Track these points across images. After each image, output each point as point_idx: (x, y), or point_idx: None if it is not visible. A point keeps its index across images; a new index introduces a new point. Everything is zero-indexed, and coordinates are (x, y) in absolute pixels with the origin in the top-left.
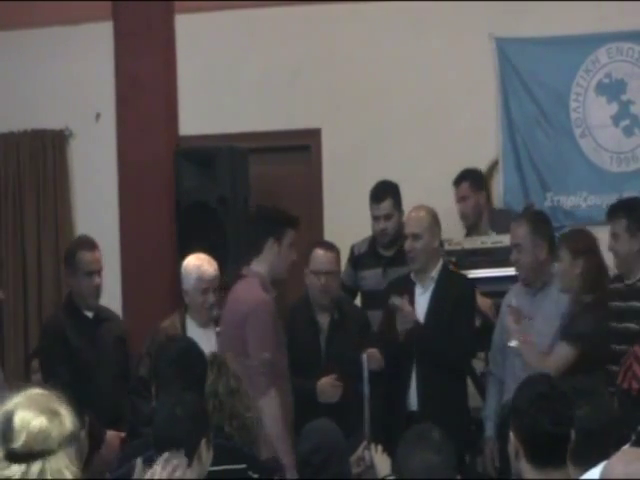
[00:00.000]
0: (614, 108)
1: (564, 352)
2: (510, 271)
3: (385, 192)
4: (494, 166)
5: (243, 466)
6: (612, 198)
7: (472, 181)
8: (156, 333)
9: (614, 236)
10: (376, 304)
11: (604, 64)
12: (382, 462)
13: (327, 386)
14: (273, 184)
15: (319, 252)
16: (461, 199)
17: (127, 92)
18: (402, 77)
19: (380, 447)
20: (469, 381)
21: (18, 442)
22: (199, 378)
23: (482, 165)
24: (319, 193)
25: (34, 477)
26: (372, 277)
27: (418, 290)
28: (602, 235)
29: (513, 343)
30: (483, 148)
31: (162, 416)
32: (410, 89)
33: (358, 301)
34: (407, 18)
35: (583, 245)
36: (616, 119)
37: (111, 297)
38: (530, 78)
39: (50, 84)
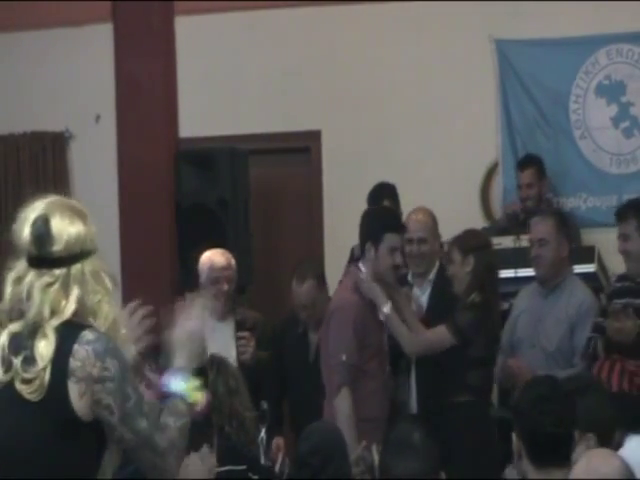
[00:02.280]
0: (614, 110)
1: (442, 335)
2: (510, 273)
3: (381, 194)
4: (494, 168)
5: (243, 467)
6: (612, 200)
7: (538, 168)
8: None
9: (624, 237)
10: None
11: (604, 66)
12: None
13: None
14: (273, 186)
15: (294, 288)
16: (526, 185)
17: (127, 94)
18: (402, 79)
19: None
20: None
21: (59, 246)
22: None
23: (481, 167)
24: (319, 195)
25: (77, 277)
26: None
27: (415, 292)
28: (602, 236)
29: (386, 309)
30: (483, 150)
31: None
32: (410, 90)
33: None
34: (407, 20)
35: (473, 243)
36: (616, 121)
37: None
38: (530, 80)
39: (50, 86)
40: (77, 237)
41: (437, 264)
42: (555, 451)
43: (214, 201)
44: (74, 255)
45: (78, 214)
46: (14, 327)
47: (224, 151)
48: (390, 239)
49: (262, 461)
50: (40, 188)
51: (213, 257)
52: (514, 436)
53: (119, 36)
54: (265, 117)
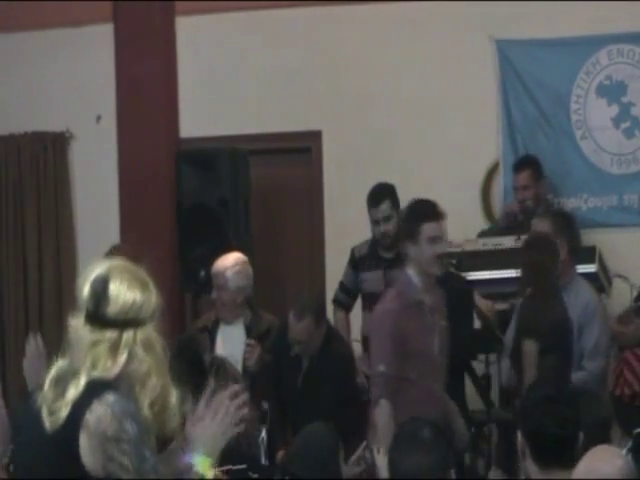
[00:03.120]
0: (615, 110)
1: (529, 351)
2: (511, 273)
3: (382, 194)
4: (495, 168)
5: (243, 466)
6: (612, 200)
7: (534, 169)
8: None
9: None
10: None
11: (605, 66)
12: (384, 463)
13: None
14: (274, 186)
15: (291, 322)
16: (522, 188)
17: (128, 94)
18: (403, 79)
19: (382, 449)
20: (469, 383)
21: (114, 308)
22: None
23: (482, 167)
24: (320, 195)
25: (128, 343)
26: (373, 279)
27: None
28: (603, 236)
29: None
30: (484, 150)
31: None
32: (411, 91)
33: (359, 303)
34: (408, 20)
35: (523, 245)
36: (617, 121)
37: None
38: (531, 80)
39: (51, 86)
40: (133, 303)
41: None
42: (559, 452)
43: (215, 201)
44: (128, 320)
45: (139, 281)
46: (62, 364)
47: (225, 151)
48: (427, 229)
49: (262, 461)
50: (41, 188)
51: (225, 262)
52: (519, 435)
53: (120, 36)
54: (266, 117)
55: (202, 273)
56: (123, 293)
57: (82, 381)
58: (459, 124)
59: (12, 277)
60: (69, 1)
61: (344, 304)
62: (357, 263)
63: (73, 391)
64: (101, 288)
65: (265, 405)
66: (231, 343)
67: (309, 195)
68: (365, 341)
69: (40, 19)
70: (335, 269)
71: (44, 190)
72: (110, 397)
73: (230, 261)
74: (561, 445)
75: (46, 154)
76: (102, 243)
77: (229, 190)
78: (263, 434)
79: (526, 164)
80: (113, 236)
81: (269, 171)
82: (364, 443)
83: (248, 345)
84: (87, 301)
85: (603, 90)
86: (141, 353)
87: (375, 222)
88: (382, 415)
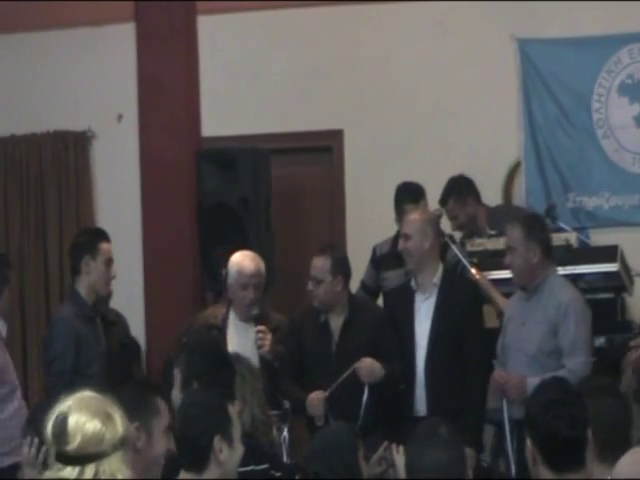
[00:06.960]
0: (636, 109)
1: None
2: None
3: (420, 193)
4: (516, 167)
5: (266, 466)
6: (634, 199)
7: (456, 196)
8: (195, 320)
9: None
10: None
11: (626, 65)
12: (403, 462)
13: (313, 400)
14: (295, 185)
15: (313, 258)
16: (452, 218)
17: (149, 93)
18: (424, 78)
19: (401, 447)
20: None
21: (72, 444)
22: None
23: (504, 166)
24: (341, 194)
25: (89, 478)
26: (394, 277)
27: (419, 297)
28: (625, 235)
29: None
30: (505, 149)
31: (178, 416)
32: (432, 90)
33: (380, 302)
34: (429, 19)
35: None
36: (638, 120)
37: (133, 297)
38: (552, 79)
39: (73, 85)
40: (92, 437)
41: (440, 268)
42: (571, 454)
43: (236, 200)
44: (88, 455)
45: (101, 413)
46: None
47: (246, 150)
48: None
49: (285, 460)
50: (62, 187)
51: (243, 262)
52: (528, 441)
53: (141, 36)
54: (287, 116)
55: (223, 272)
56: (82, 427)
57: None
58: (480, 123)
59: (33, 275)
60: (91, 1)
61: None
62: (378, 261)
63: None
64: (60, 426)
65: (286, 404)
66: (245, 343)
67: (330, 194)
68: None
69: (61, 19)
70: (357, 268)
71: (66, 189)
72: None
73: (256, 258)
74: (573, 446)
75: (68, 153)
76: (123, 242)
77: (250, 189)
78: (285, 433)
79: (447, 195)
80: (134, 235)
81: (290, 170)
82: (385, 443)
83: (259, 332)
84: (50, 441)
85: (625, 89)
86: None
87: None
88: None
